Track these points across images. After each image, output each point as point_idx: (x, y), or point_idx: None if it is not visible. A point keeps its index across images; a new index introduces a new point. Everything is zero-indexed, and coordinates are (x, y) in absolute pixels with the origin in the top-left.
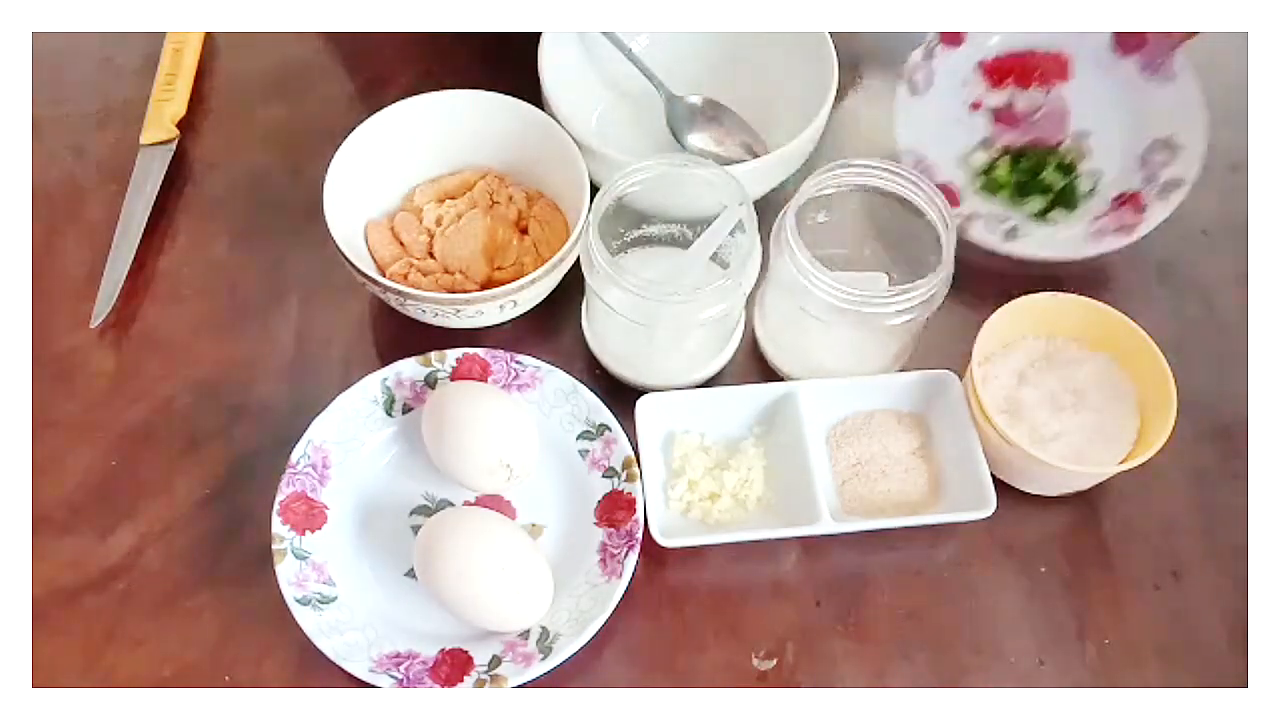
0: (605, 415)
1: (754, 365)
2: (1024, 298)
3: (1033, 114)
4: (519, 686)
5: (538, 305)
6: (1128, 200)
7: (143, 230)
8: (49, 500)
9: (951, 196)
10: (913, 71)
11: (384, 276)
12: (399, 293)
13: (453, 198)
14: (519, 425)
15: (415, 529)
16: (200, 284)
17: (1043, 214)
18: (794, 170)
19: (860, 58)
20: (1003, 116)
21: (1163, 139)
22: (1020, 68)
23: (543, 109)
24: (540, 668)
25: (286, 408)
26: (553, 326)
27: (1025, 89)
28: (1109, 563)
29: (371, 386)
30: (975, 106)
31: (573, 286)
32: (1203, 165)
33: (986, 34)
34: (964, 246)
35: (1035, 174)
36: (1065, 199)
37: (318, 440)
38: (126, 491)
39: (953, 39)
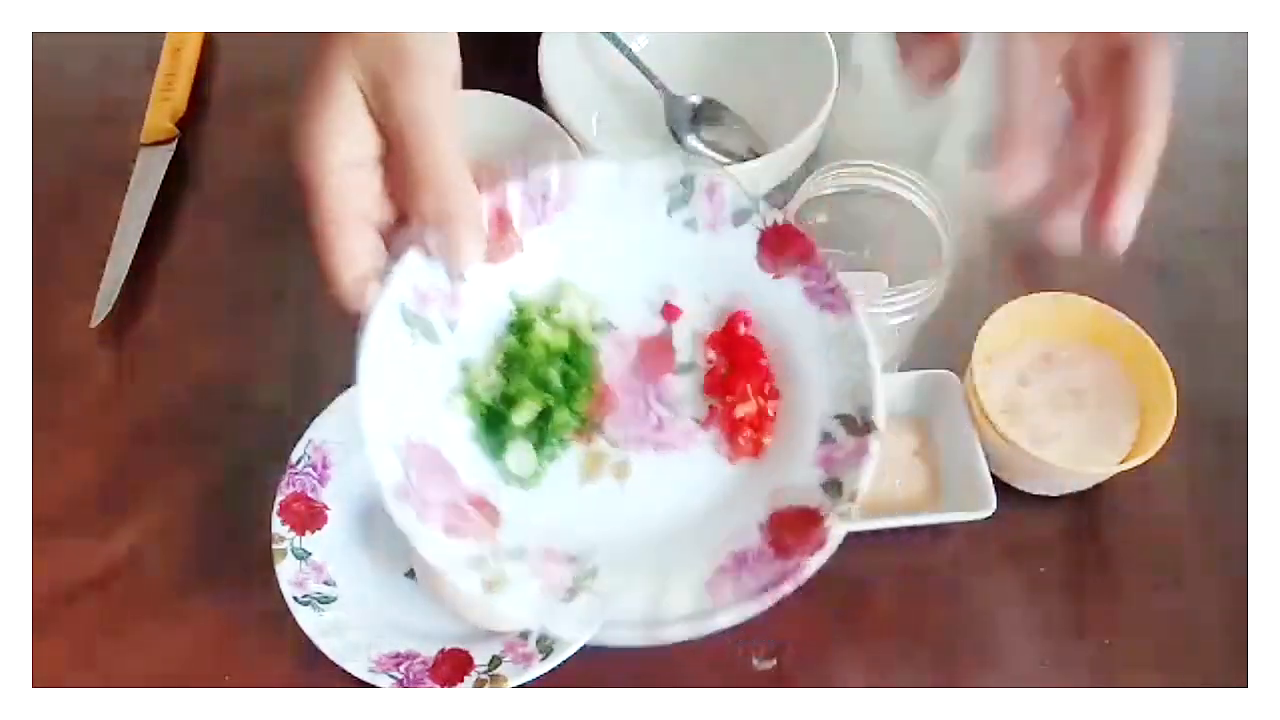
0: None
1: None
2: (1024, 298)
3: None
4: (519, 686)
5: None
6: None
7: (143, 230)
8: (49, 500)
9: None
10: None
11: None
12: None
13: None
14: None
15: None
16: (200, 284)
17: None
18: (794, 170)
19: (861, 58)
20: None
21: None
22: (746, 361)
23: (543, 109)
24: (540, 668)
25: (286, 408)
26: None
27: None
28: (1109, 563)
29: None
30: (669, 313)
31: None
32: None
33: None
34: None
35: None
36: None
37: (318, 440)
38: (126, 491)
39: None
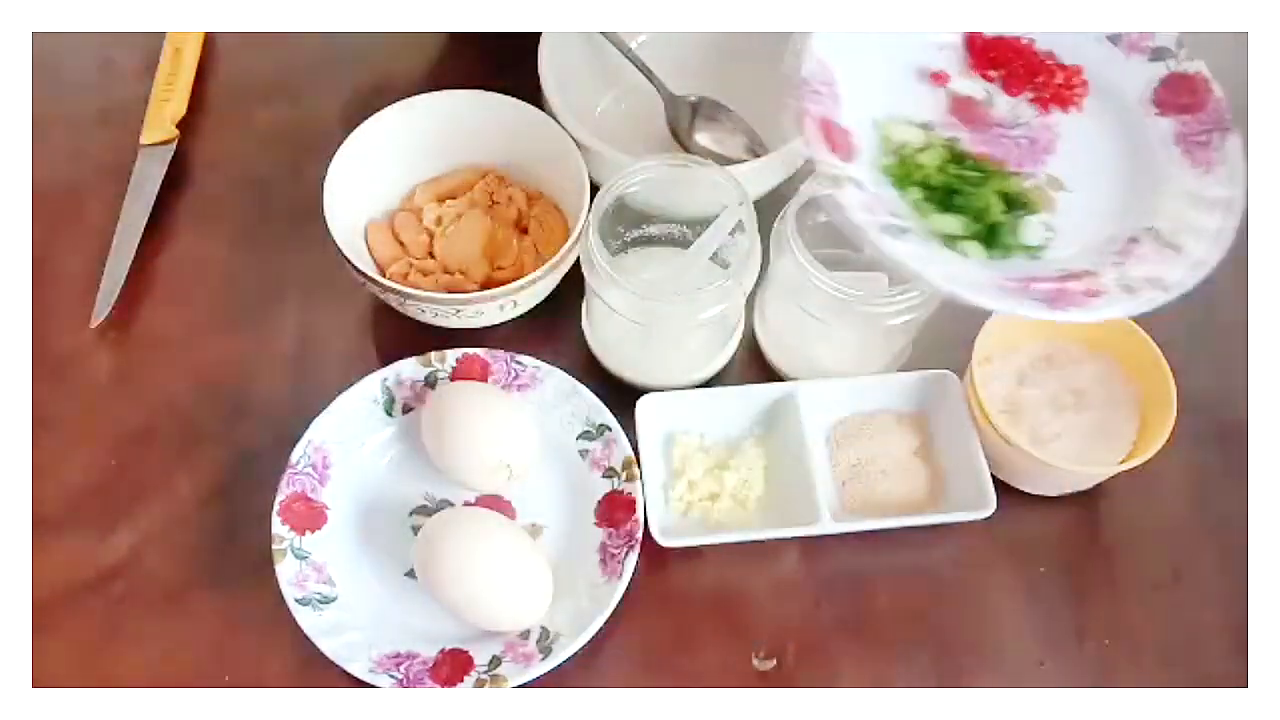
0: (605, 415)
1: (754, 365)
2: None
3: (1008, 127)
4: (519, 686)
5: (538, 305)
6: (1078, 278)
7: (143, 230)
8: (49, 500)
9: (842, 142)
10: None
11: (384, 276)
12: (399, 293)
13: (453, 198)
14: (519, 425)
15: (415, 529)
16: (200, 284)
17: (952, 239)
18: (794, 170)
19: None
20: (964, 110)
21: (1158, 231)
22: (1019, 66)
23: (543, 109)
24: (540, 668)
25: (286, 408)
26: (553, 326)
27: (1013, 95)
28: (1109, 563)
29: (371, 386)
30: (936, 79)
31: (573, 286)
32: (1202, 279)
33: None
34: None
35: (971, 188)
36: (992, 238)
37: (318, 440)
38: (126, 491)
39: None
